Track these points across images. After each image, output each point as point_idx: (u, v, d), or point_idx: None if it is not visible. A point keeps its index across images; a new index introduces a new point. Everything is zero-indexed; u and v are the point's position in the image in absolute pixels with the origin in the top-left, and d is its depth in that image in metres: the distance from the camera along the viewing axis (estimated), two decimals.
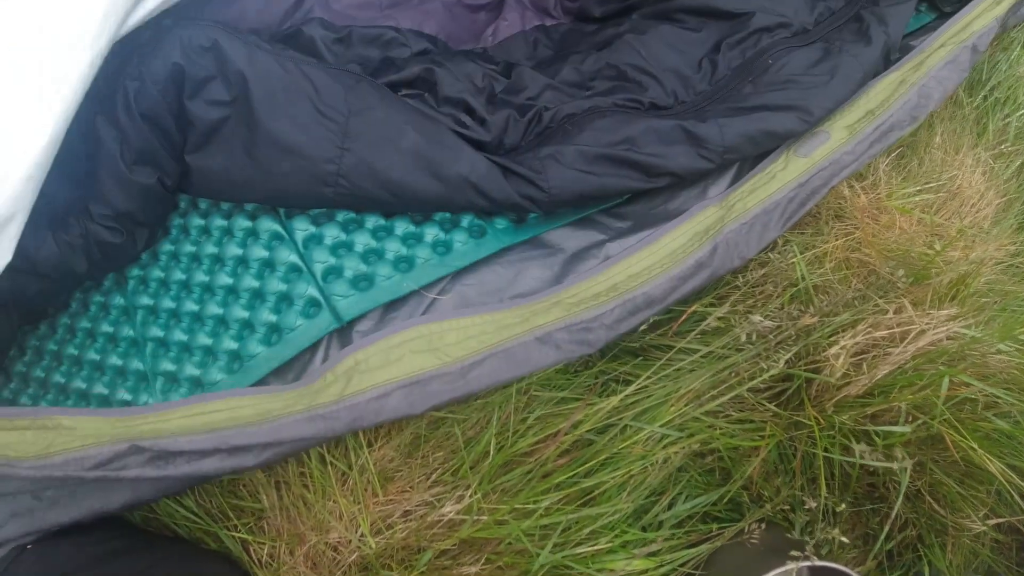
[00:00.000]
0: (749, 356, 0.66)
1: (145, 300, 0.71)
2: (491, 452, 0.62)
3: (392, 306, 0.66)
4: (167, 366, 0.67)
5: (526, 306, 0.66)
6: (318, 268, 0.66)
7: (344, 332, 0.65)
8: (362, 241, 0.68)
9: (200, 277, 0.69)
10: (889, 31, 0.80)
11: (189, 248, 0.71)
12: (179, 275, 0.71)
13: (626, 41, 0.79)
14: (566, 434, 0.64)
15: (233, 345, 0.66)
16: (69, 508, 0.63)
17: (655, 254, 0.71)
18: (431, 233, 0.69)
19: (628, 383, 0.70)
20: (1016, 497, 0.66)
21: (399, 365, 0.61)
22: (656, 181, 0.72)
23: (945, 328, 0.63)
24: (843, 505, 0.68)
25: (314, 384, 0.61)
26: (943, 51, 0.81)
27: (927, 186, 0.78)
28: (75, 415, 0.58)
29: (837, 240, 0.73)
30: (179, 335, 0.68)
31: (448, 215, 0.70)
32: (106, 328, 0.72)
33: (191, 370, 0.66)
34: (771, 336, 0.66)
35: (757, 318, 0.65)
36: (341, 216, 0.69)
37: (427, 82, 0.73)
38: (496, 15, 0.86)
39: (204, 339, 0.67)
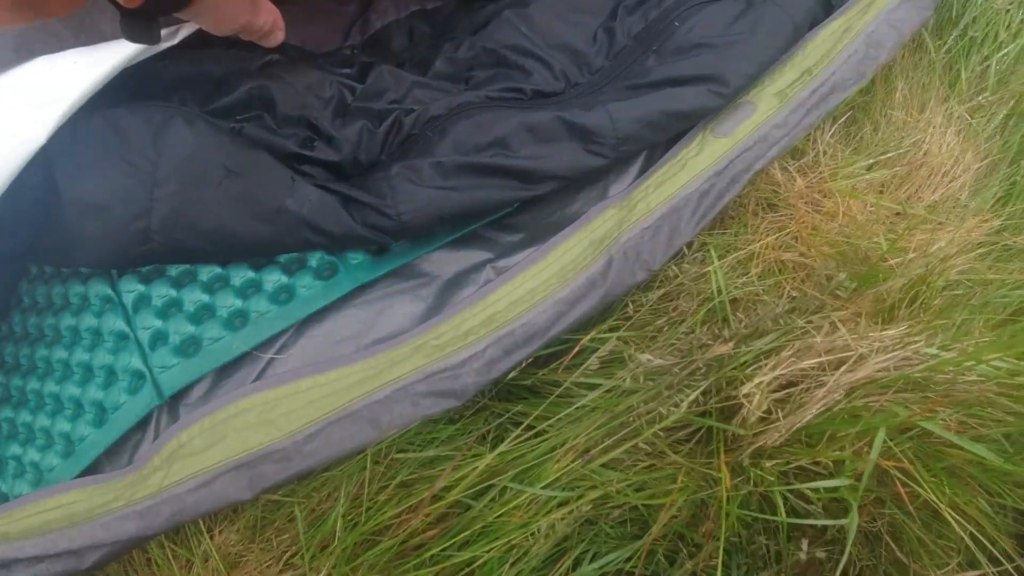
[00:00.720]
0: (648, 397, 0.54)
1: None
2: (337, 533, 0.53)
3: (226, 371, 0.57)
4: (15, 450, 0.62)
5: (381, 355, 0.57)
6: (144, 335, 0.58)
7: (173, 406, 0.57)
8: (193, 298, 0.59)
9: (42, 351, 0.63)
10: None
11: (35, 320, 0.65)
12: (26, 350, 0.65)
13: (505, 18, 0.67)
14: (432, 503, 0.55)
15: (66, 427, 0.59)
16: None
17: (540, 274, 0.60)
18: (272, 280, 0.60)
19: (519, 423, 0.60)
20: (988, 544, 0.53)
21: (224, 445, 0.53)
22: (538, 188, 0.61)
23: (891, 353, 0.50)
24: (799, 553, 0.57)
25: (142, 469, 0.54)
26: None
27: (883, 157, 0.63)
28: None
29: (767, 237, 0.60)
30: (25, 416, 0.62)
31: (295, 255, 0.61)
32: None
33: (33, 454, 0.60)
34: (675, 371, 0.54)
35: (646, 357, 0.53)
36: (175, 270, 0.61)
37: (263, 101, 0.63)
38: (367, 5, 0.74)
39: (44, 420, 0.61)
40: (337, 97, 0.64)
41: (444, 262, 0.63)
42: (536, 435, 0.58)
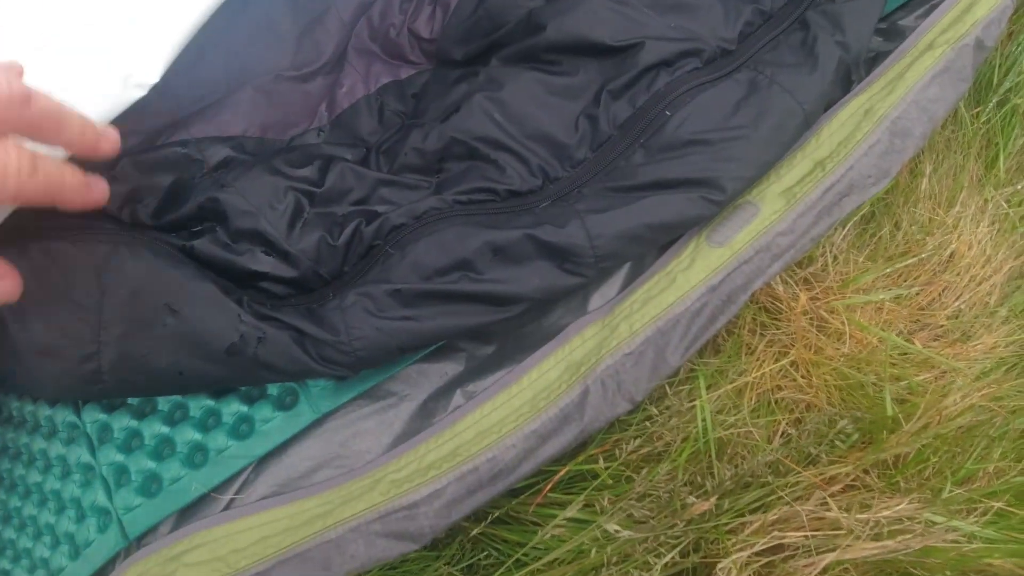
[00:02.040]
0: (620, 556, 0.51)
1: None
2: None
3: (189, 511, 0.56)
4: (4, 564, 0.63)
5: (338, 488, 0.55)
6: (108, 470, 0.57)
7: (139, 546, 0.56)
8: (153, 431, 0.58)
9: (20, 470, 0.64)
10: (847, 39, 0.55)
11: (12, 434, 0.65)
12: (6, 464, 0.65)
13: (476, 103, 0.60)
14: None
15: (46, 554, 0.60)
16: None
17: (512, 401, 0.57)
18: (230, 411, 0.58)
19: (499, 553, 0.57)
20: None
21: None
22: (510, 310, 0.56)
23: (888, 535, 0.44)
24: None
25: None
26: (931, 56, 0.55)
27: (901, 265, 0.54)
28: None
29: (764, 367, 0.53)
30: (10, 533, 0.63)
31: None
32: None
33: (19, 573, 0.61)
34: (648, 541, 0.49)
35: (614, 527, 0.48)
36: (134, 400, 0.59)
37: (215, 213, 0.59)
38: (334, 80, 0.68)
39: (27, 542, 0.62)
40: (293, 206, 0.59)
41: (419, 379, 0.59)
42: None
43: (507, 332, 0.60)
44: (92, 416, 0.59)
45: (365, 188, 0.61)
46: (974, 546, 0.44)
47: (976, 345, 0.52)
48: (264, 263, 0.58)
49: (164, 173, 0.62)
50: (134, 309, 0.54)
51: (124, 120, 0.55)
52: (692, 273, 0.56)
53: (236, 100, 0.64)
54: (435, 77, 0.68)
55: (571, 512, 0.51)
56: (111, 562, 0.57)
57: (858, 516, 0.45)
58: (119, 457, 0.58)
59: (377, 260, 0.58)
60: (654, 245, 0.57)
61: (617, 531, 0.49)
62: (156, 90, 0.54)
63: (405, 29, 0.68)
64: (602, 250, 0.54)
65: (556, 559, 0.52)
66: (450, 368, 0.60)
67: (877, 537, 0.44)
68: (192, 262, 0.57)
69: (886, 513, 0.45)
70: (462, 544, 0.60)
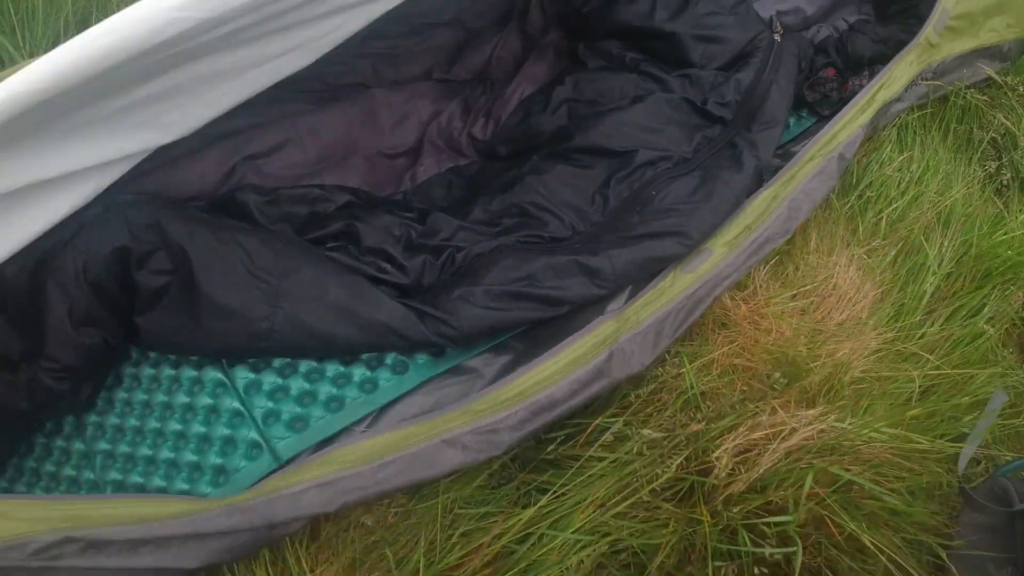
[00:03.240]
0: (646, 463, 0.78)
1: (103, 445, 0.82)
2: (420, 571, 0.73)
3: (325, 443, 0.78)
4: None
5: (436, 418, 0.78)
6: (258, 413, 0.78)
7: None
8: (297, 385, 0.80)
9: (152, 424, 0.81)
10: (760, 155, 0.96)
11: (141, 396, 0.83)
12: (133, 422, 0.82)
13: (527, 183, 0.94)
14: (488, 547, 0.75)
15: (184, 486, 0.77)
16: None
17: (557, 363, 0.83)
18: (359, 373, 0.81)
19: (546, 491, 0.81)
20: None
21: (314, 470, 0.72)
22: (558, 310, 0.85)
23: (812, 426, 0.76)
24: None
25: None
26: (811, 164, 0.96)
27: (803, 289, 0.92)
28: (12, 500, 0.68)
29: (722, 348, 0.86)
30: (135, 478, 0.79)
31: (375, 355, 0.83)
32: (69, 472, 0.83)
33: None
34: (664, 443, 0.78)
35: (647, 431, 0.77)
36: (278, 362, 0.82)
37: (349, 235, 0.87)
38: (415, 160, 1.01)
39: (159, 481, 0.78)
40: (406, 236, 0.89)
41: (485, 363, 0.86)
42: (559, 497, 0.80)
43: (544, 334, 0.89)
44: (242, 375, 0.81)
45: (450, 230, 0.91)
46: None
47: (853, 343, 0.89)
48: (386, 272, 0.85)
49: (301, 206, 0.90)
50: (308, 287, 0.79)
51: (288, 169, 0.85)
52: (674, 288, 0.89)
53: (352, 164, 0.95)
54: (484, 167, 1.03)
55: (614, 428, 0.78)
56: (257, 483, 0.76)
57: (795, 414, 0.76)
58: (269, 403, 0.79)
59: (467, 274, 0.87)
60: (648, 273, 0.90)
61: (649, 433, 0.77)
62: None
63: (465, 132, 1.03)
64: (619, 271, 0.87)
65: (600, 472, 0.78)
66: (506, 358, 0.88)
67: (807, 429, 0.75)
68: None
69: (811, 413, 0.76)
70: (519, 487, 0.84)
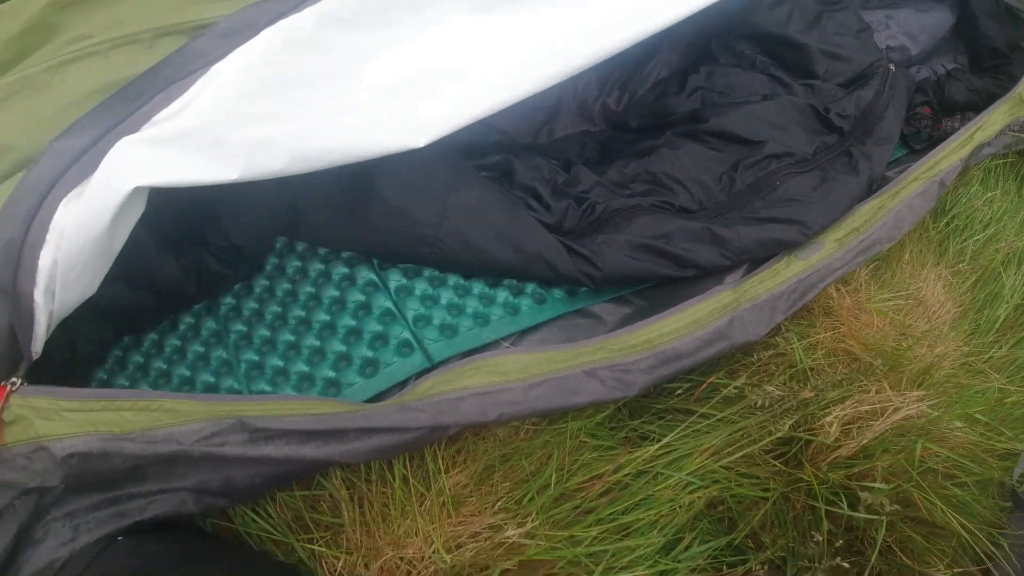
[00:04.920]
0: (759, 421, 0.88)
1: (239, 326, 0.88)
2: (551, 484, 0.81)
3: (469, 353, 0.85)
4: (263, 386, 0.84)
5: (576, 348, 0.86)
6: (410, 315, 0.86)
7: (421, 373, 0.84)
8: (446, 296, 0.88)
9: (297, 312, 0.88)
10: (873, 166, 1.08)
11: (285, 285, 0.90)
12: (275, 308, 0.89)
13: (662, 153, 1.05)
14: (609, 476, 0.84)
15: (331, 374, 0.83)
16: (160, 503, 0.78)
17: (681, 320, 0.92)
18: (502, 295, 0.89)
19: (654, 440, 0.91)
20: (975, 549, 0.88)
21: (472, 379, 0.79)
22: (685, 271, 0.96)
23: (916, 407, 0.87)
24: (837, 558, 0.89)
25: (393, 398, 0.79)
26: (916, 184, 1.09)
27: (898, 294, 1.04)
28: (177, 398, 0.71)
29: (826, 332, 0.98)
30: (275, 360, 0.85)
31: (514, 282, 0.91)
32: (197, 348, 0.88)
33: (288, 391, 0.83)
34: (777, 405, 0.88)
35: (770, 388, 0.87)
36: (427, 272, 0.89)
37: (504, 169, 0.96)
38: (551, 117, 1.11)
39: (301, 366, 0.84)
40: (552, 179, 0.98)
41: (608, 312, 0.95)
42: (668, 445, 0.89)
43: (666, 295, 0.99)
44: (395, 279, 0.88)
45: (588, 184, 1.01)
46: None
47: (938, 347, 1.01)
48: (534, 210, 0.94)
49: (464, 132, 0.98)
50: (475, 204, 0.87)
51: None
52: (788, 271, 1.00)
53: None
54: (612, 135, 1.13)
55: (738, 383, 0.88)
56: (403, 382, 0.83)
57: (902, 393, 0.87)
58: (420, 308, 0.86)
59: (606, 224, 0.97)
60: (767, 253, 1.01)
61: (772, 390, 0.87)
62: None
63: (600, 102, 1.13)
64: (744, 246, 0.98)
65: (720, 418, 0.88)
66: (626, 310, 0.97)
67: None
68: None
69: (914, 395, 0.88)
70: (628, 432, 0.93)
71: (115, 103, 0.79)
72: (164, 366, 0.87)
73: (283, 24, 0.81)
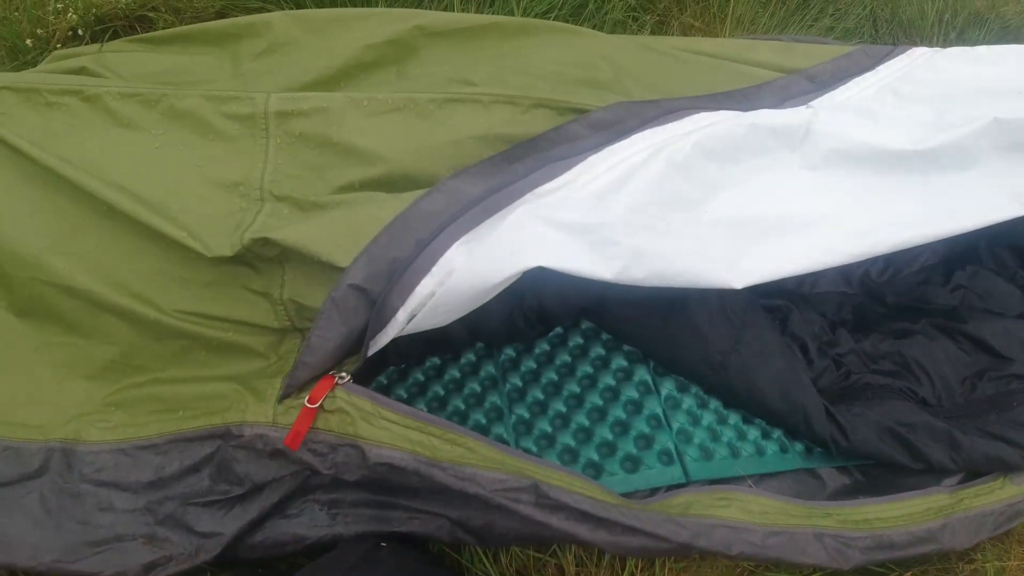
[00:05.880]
0: None
1: (515, 380, 0.98)
2: None
3: (719, 482, 0.94)
4: (529, 444, 0.93)
5: (808, 507, 0.94)
6: (675, 426, 0.94)
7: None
8: (707, 419, 0.96)
9: (572, 387, 0.97)
10: None
11: (565, 358, 0.99)
12: (551, 375, 0.98)
13: (918, 340, 1.12)
14: None
15: (594, 456, 0.92)
16: (420, 523, 0.87)
17: (899, 509, 0.99)
18: (752, 434, 0.98)
19: None
20: None
21: (725, 511, 0.87)
22: (915, 464, 1.02)
23: None
24: None
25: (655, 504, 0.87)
26: None
27: None
28: (478, 440, 0.80)
29: (1017, 561, 1.04)
30: (544, 425, 0.94)
31: (763, 423, 1.00)
32: (474, 386, 0.98)
33: (553, 460, 0.92)
34: None
35: None
36: (694, 389, 0.98)
37: (783, 313, 1.04)
38: (819, 271, 1.19)
39: (568, 440, 0.93)
40: (820, 335, 1.06)
41: (831, 478, 1.03)
42: None
43: (882, 476, 1.07)
44: (667, 387, 0.97)
45: (845, 349, 1.08)
46: None
47: None
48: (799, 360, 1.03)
49: None
50: (763, 345, 0.95)
51: None
52: (1003, 492, 1.06)
53: None
54: (865, 304, 1.21)
55: None
56: (659, 489, 0.92)
57: None
58: (686, 424, 0.95)
59: (856, 396, 1.04)
60: (987, 470, 1.08)
61: None
62: None
63: (864, 269, 1.22)
64: (973, 456, 1.04)
65: None
66: (846, 480, 1.04)
67: None
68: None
69: None
70: None
71: (500, 161, 0.90)
72: (441, 392, 0.97)
73: (667, 143, 0.90)
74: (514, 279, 0.80)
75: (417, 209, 0.83)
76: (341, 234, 0.82)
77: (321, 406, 0.79)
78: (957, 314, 1.16)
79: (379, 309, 0.81)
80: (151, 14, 1.31)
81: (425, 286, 0.80)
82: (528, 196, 0.86)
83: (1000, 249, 1.26)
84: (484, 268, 0.78)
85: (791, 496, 0.96)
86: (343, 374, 0.82)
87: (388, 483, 0.85)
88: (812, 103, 1.11)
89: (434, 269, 0.80)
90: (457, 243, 0.81)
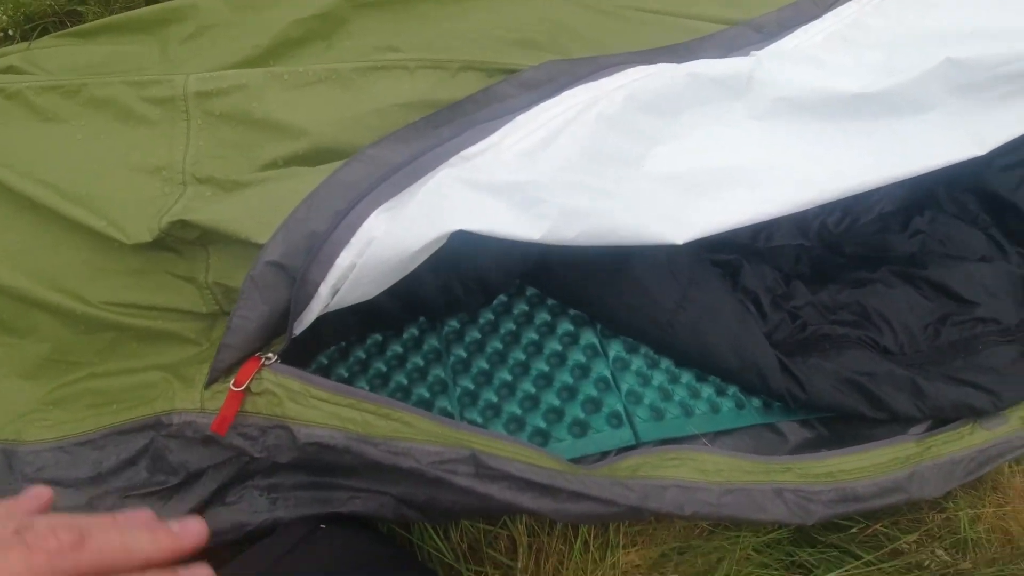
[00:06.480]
0: None
1: (459, 352, 0.96)
2: None
3: (671, 441, 0.92)
4: (474, 416, 0.92)
5: (766, 463, 0.92)
6: (623, 388, 0.93)
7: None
8: (658, 379, 0.95)
9: (517, 355, 0.95)
10: None
11: (510, 326, 0.98)
12: (496, 344, 0.96)
13: (877, 289, 1.10)
14: None
15: (541, 423, 0.91)
16: (361, 502, 0.86)
17: (863, 460, 0.97)
18: (706, 392, 0.96)
19: (808, 569, 0.97)
20: None
21: (676, 470, 0.86)
22: (877, 414, 1.01)
23: None
24: None
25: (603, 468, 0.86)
26: None
27: None
28: (414, 413, 0.78)
29: (991, 508, 1.03)
30: (490, 395, 0.93)
31: (718, 380, 0.98)
32: (417, 360, 0.96)
33: (499, 429, 0.91)
34: (938, 570, 0.94)
35: (940, 552, 0.93)
36: (643, 350, 0.96)
37: (733, 268, 1.03)
38: (772, 223, 1.17)
39: (514, 408, 0.92)
40: (773, 289, 1.05)
41: (792, 432, 1.02)
42: None
43: (846, 430, 1.05)
44: (615, 349, 0.96)
45: (801, 302, 1.07)
46: None
47: None
48: (752, 315, 1.01)
49: None
50: (711, 301, 0.94)
51: None
52: (972, 438, 1.05)
53: None
54: (824, 255, 1.19)
55: (911, 538, 0.94)
56: (609, 452, 0.91)
57: None
58: (635, 385, 0.94)
59: (812, 348, 1.03)
60: (956, 416, 1.06)
61: (940, 554, 0.92)
62: None
63: (819, 220, 1.20)
64: (939, 403, 1.03)
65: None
66: (808, 434, 1.03)
67: None
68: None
69: None
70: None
71: (424, 126, 0.88)
72: (384, 368, 0.96)
73: (598, 98, 0.89)
74: (437, 245, 0.79)
75: (335, 180, 0.82)
76: (261, 211, 0.80)
77: (248, 388, 0.77)
78: (917, 260, 1.15)
79: (300, 285, 0.79)
80: (80, 8, 1.29)
81: (345, 258, 0.78)
82: (454, 160, 0.84)
83: (961, 193, 1.24)
84: (404, 235, 0.76)
85: (750, 453, 0.94)
86: (270, 355, 0.80)
87: (325, 463, 0.84)
88: (755, 52, 1.08)
89: (353, 240, 0.78)
90: (377, 211, 0.79)
